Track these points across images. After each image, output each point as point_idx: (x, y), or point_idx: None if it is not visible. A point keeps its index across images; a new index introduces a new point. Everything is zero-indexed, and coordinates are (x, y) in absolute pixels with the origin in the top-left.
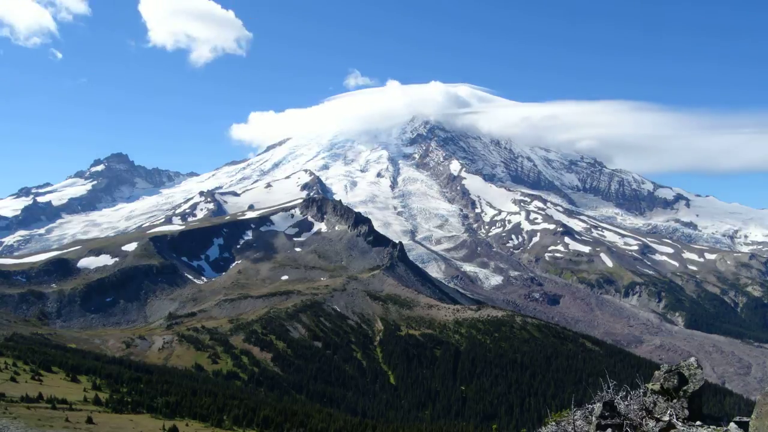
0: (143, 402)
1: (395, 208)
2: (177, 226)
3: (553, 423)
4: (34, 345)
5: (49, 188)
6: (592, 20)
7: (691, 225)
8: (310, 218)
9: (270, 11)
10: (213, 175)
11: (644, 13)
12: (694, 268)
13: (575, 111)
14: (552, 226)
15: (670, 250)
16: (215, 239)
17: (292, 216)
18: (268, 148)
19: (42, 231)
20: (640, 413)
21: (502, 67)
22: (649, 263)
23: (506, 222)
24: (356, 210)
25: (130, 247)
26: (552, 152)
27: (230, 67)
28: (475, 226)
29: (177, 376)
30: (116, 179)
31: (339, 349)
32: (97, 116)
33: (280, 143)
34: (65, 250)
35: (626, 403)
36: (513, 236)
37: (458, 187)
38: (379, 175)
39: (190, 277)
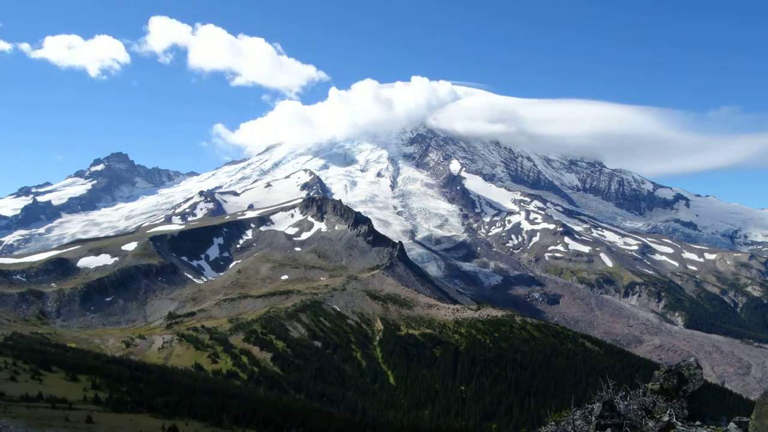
0: (143, 401)
1: (395, 207)
2: (177, 225)
3: (553, 423)
4: (34, 344)
5: (48, 188)
6: (593, 24)
7: (690, 225)
8: (309, 218)
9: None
10: (213, 174)
11: (643, 20)
12: (694, 268)
13: (576, 110)
14: (552, 226)
15: (670, 250)
16: (215, 239)
17: (292, 216)
18: (268, 148)
19: (42, 230)
20: (639, 413)
21: (503, 68)
22: (648, 263)
23: (506, 222)
24: (356, 210)
25: (130, 246)
26: (552, 152)
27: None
28: (475, 225)
29: (177, 376)
30: (116, 179)
31: (339, 349)
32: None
33: (280, 143)
34: (65, 250)
35: (626, 402)
36: (513, 236)
37: (458, 187)
38: (378, 174)
39: (190, 276)
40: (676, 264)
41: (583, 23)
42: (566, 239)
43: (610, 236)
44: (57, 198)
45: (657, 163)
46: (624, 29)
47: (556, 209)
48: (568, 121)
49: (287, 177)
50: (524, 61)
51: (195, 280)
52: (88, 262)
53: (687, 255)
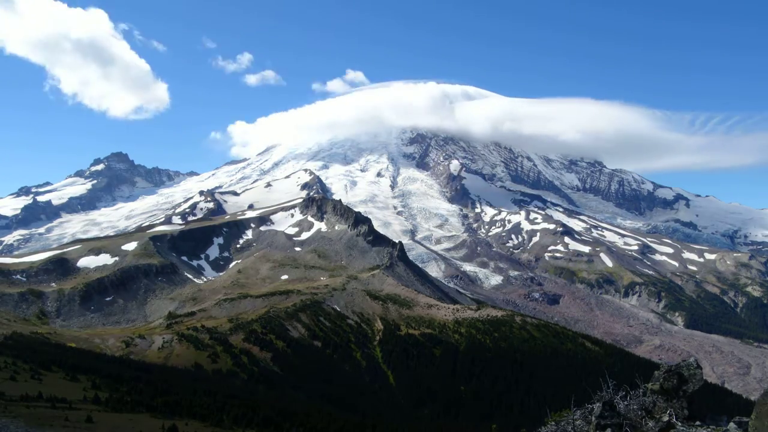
0: (143, 401)
1: (395, 207)
2: (177, 225)
3: (553, 423)
4: (34, 344)
5: (49, 187)
6: (594, 23)
7: (690, 225)
8: (309, 218)
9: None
10: (213, 174)
11: (644, 22)
12: (694, 268)
13: (576, 110)
14: (552, 226)
15: (670, 250)
16: (215, 239)
17: (292, 215)
18: (268, 148)
19: (42, 230)
20: (639, 413)
21: (504, 68)
22: (648, 263)
23: (506, 222)
24: (356, 209)
25: (130, 246)
26: (552, 152)
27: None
28: (474, 225)
29: (176, 376)
30: (116, 178)
31: (338, 349)
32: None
33: (280, 143)
34: (65, 250)
35: (626, 403)
36: (513, 236)
37: (458, 187)
38: (379, 174)
39: (190, 276)
40: (676, 264)
41: (584, 23)
42: (566, 239)
43: (610, 236)
44: (57, 198)
45: (657, 162)
46: (625, 30)
47: (556, 209)
48: (568, 121)
49: (287, 177)
50: (524, 61)
51: (195, 279)
52: (88, 261)
53: (687, 255)
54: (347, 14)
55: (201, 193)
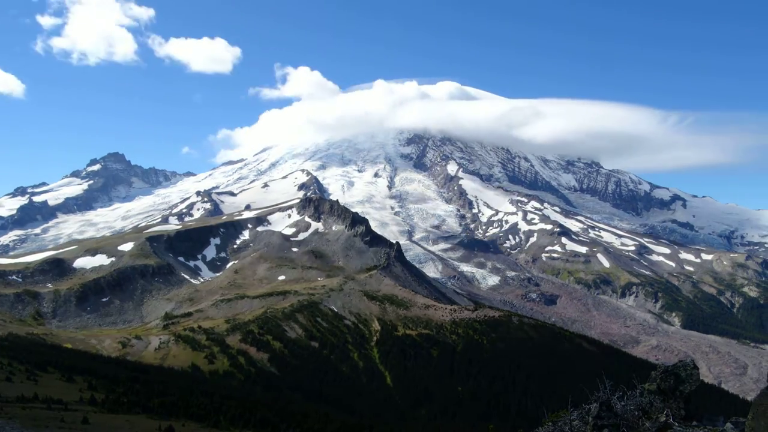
0: (139, 402)
1: (392, 208)
2: (173, 225)
3: (550, 423)
4: (30, 345)
5: (45, 188)
6: (593, 23)
7: (687, 225)
8: (307, 218)
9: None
10: (210, 174)
11: (642, 22)
12: (691, 269)
13: (573, 110)
14: (549, 227)
15: (667, 251)
16: (212, 239)
17: (289, 216)
18: (265, 149)
19: (38, 231)
20: (636, 413)
21: (502, 68)
22: (645, 264)
23: (503, 222)
24: (353, 210)
25: (127, 246)
26: (549, 152)
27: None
28: (472, 226)
29: (173, 377)
30: (112, 179)
31: (336, 349)
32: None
33: (278, 143)
34: (61, 250)
35: (623, 403)
36: (510, 236)
37: (455, 188)
38: (376, 175)
39: (187, 277)
40: (673, 264)
41: (581, 23)
42: (563, 240)
43: (607, 237)
44: (53, 198)
45: (654, 162)
46: (623, 30)
47: (554, 210)
48: (565, 121)
49: (284, 177)
50: (523, 61)
51: (192, 280)
52: (84, 262)
53: (684, 255)
54: (345, 14)
55: (198, 193)
